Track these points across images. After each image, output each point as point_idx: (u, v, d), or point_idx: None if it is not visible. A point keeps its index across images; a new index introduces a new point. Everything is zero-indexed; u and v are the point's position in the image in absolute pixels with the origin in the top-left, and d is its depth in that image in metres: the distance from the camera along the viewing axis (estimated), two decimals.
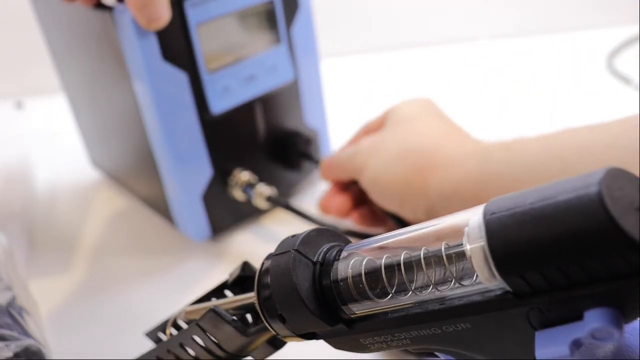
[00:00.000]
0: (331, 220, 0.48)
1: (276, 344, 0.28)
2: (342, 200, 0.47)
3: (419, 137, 0.42)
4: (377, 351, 0.23)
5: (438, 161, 0.40)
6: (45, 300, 0.43)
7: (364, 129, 0.50)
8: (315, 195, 0.54)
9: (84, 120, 0.58)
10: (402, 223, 0.43)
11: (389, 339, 0.22)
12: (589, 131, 0.35)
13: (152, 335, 0.31)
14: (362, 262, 0.22)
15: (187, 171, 0.46)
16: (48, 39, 0.55)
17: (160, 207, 0.51)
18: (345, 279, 0.23)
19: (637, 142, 0.31)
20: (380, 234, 0.23)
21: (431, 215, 0.40)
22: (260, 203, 0.47)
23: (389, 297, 0.22)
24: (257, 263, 0.26)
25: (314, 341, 0.24)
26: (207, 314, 0.26)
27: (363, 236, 0.45)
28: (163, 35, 0.41)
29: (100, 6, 0.43)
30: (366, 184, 0.44)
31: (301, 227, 0.47)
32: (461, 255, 0.19)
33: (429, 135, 0.43)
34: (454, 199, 0.38)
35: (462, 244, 0.19)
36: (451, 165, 0.39)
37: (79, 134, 0.60)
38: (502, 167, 0.37)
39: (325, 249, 0.24)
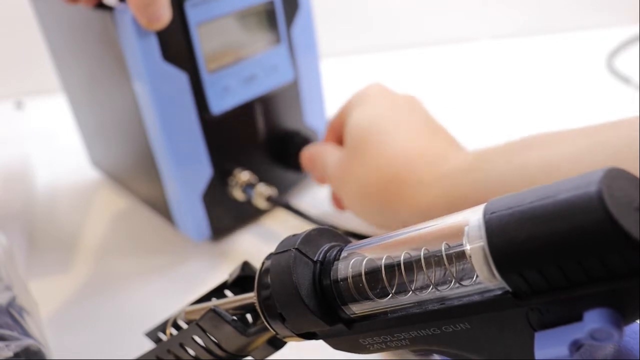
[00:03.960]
0: (331, 219, 0.48)
1: (276, 344, 0.28)
2: None
3: (388, 160, 0.41)
4: (377, 352, 0.23)
5: (408, 186, 0.39)
6: (46, 300, 0.43)
7: (329, 127, 0.49)
8: (315, 195, 0.54)
9: (84, 120, 0.58)
10: None
11: (389, 339, 0.22)
12: (556, 145, 0.34)
13: (152, 335, 0.31)
14: (362, 262, 0.22)
15: (187, 171, 0.46)
16: (48, 39, 0.55)
17: (160, 207, 0.51)
18: (345, 279, 0.23)
19: (601, 157, 0.31)
20: (381, 234, 0.23)
21: None
22: (261, 203, 0.47)
23: (389, 297, 0.22)
24: (257, 263, 0.26)
25: (314, 341, 0.24)
26: (207, 314, 0.26)
27: (363, 237, 0.45)
28: (163, 35, 0.41)
29: (100, 6, 0.43)
30: (343, 197, 0.45)
31: (301, 227, 0.47)
32: (461, 255, 0.19)
33: (398, 155, 0.41)
34: (429, 216, 0.38)
35: (462, 244, 0.19)
36: (419, 193, 0.39)
37: (79, 134, 0.60)
38: (467, 191, 0.36)
39: (325, 249, 0.24)
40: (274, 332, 0.25)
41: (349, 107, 0.46)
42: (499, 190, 0.34)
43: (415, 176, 0.39)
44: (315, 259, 0.24)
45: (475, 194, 0.36)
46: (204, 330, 0.27)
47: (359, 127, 0.43)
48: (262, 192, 0.47)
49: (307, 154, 0.49)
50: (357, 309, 0.23)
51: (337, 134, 0.48)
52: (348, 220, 0.48)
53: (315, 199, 0.53)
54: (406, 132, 0.42)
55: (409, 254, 0.21)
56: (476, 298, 0.19)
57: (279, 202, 0.47)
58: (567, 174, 0.32)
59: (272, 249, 0.25)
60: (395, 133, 0.42)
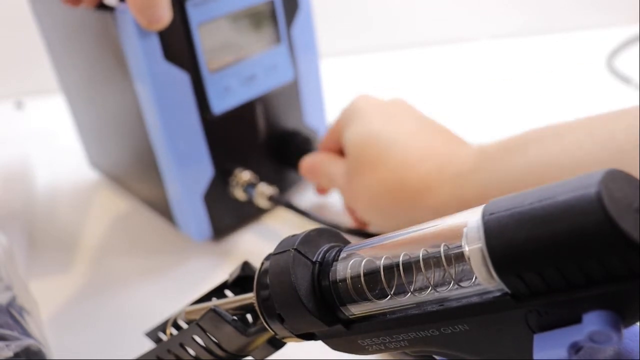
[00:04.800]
0: (332, 218, 0.48)
1: (276, 344, 0.28)
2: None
3: (393, 170, 0.41)
4: (375, 353, 0.23)
5: (416, 192, 0.40)
6: (46, 300, 0.43)
7: (324, 142, 0.49)
8: (313, 195, 0.54)
9: (83, 121, 0.58)
10: None
11: (387, 340, 0.22)
12: (560, 140, 0.35)
13: (152, 335, 0.31)
14: (361, 262, 0.22)
15: (189, 171, 0.46)
16: (46, 40, 0.55)
17: (161, 207, 0.51)
18: (344, 280, 0.23)
19: (611, 156, 0.31)
20: (381, 234, 0.23)
21: None
22: (262, 202, 0.47)
23: (388, 298, 0.22)
24: (258, 262, 0.26)
25: (314, 342, 0.24)
26: (207, 314, 0.26)
27: (364, 234, 0.45)
28: (165, 35, 0.41)
29: (101, 7, 0.43)
30: (356, 209, 0.45)
31: (302, 226, 0.48)
32: (460, 256, 0.19)
33: (401, 163, 0.41)
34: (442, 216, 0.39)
35: (460, 245, 0.19)
36: (429, 197, 0.39)
37: (78, 135, 0.60)
38: (475, 192, 0.37)
39: (324, 249, 0.24)
40: (273, 333, 0.25)
41: (342, 124, 0.46)
42: (506, 188, 0.35)
43: (422, 183, 0.40)
44: (314, 259, 0.24)
45: (484, 193, 0.36)
46: (204, 330, 0.27)
47: (358, 143, 0.43)
48: (264, 191, 0.47)
49: (307, 164, 0.49)
50: (356, 309, 0.23)
51: (334, 147, 0.48)
52: (349, 219, 0.48)
53: (315, 198, 0.53)
54: (405, 138, 0.42)
55: (407, 255, 0.21)
56: (475, 299, 0.19)
57: (281, 201, 0.47)
58: (571, 169, 0.32)
59: (273, 248, 0.25)
60: (394, 142, 0.42)
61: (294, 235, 0.24)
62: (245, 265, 0.30)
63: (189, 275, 0.47)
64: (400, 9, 0.84)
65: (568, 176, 0.33)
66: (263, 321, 0.24)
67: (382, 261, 0.22)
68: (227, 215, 0.50)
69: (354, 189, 0.44)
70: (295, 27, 0.49)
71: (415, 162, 0.41)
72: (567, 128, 0.35)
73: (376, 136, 0.43)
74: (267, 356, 0.28)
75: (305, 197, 0.54)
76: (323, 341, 0.24)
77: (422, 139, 0.42)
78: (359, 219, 0.47)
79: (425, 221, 0.39)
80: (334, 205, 0.53)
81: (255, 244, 0.50)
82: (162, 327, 0.31)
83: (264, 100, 0.48)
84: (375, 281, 0.22)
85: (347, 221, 0.48)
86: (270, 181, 0.49)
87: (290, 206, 0.47)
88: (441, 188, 0.39)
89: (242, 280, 0.30)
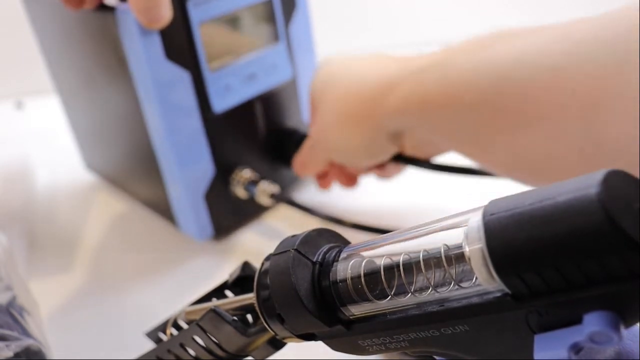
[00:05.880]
0: (335, 214, 0.48)
1: (276, 344, 0.28)
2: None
3: (356, 89, 0.42)
4: (376, 354, 0.23)
5: (379, 94, 0.40)
6: (46, 300, 0.43)
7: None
8: (314, 191, 0.54)
9: (79, 123, 0.58)
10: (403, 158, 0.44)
11: (387, 341, 0.22)
12: (524, 37, 0.34)
13: (153, 335, 0.31)
14: (362, 263, 0.22)
15: (190, 170, 0.46)
16: (41, 42, 0.55)
17: (161, 207, 0.51)
18: (344, 280, 0.23)
19: (573, 46, 0.31)
20: (385, 232, 0.23)
21: (397, 140, 0.41)
22: (264, 200, 0.48)
23: (388, 298, 0.22)
24: (259, 260, 0.26)
25: (314, 342, 0.24)
26: (207, 314, 0.26)
27: (369, 229, 0.45)
28: (166, 35, 0.41)
29: (101, 7, 0.43)
30: (329, 149, 0.45)
31: (303, 224, 0.48)
32: (460, 256, 0.19)
33: (363, 81, 0.42)
34: (406, 115, 0.39)
35: (461, 246, 0.19)
36: (392, 97, 0.39)
37: (73, 137, 0.60)
38: (436, 86, 0.37)
39: (325, 250, 0.24)
40: (273, 333, 0.25)
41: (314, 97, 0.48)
42: (471, 85, 0.34)
43: (382, 84, 0.40)
44: (314, 259, 0.24)
45: (446, 90, 0.36)
46: (204, 331, 0.27)
47: (317, 86, 0.45)
48: (265, 189, 0.47)
49: (297, 164, 0.50)
50: (357, 310, 0.23)
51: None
52: (351, 214, 0.49)
53: (315, 195, 0.54)
54: (363, 63, 0.44)
55: (408, 255, 0.21)
56: (475, 300, 0.19)
57: (283, 198, 0.48)
58: (534, 64, 0.32)
59: (274, 246, 0.25)
60: (353, 69, 0.43)
61: (294, 236, 0.24)
62: (246, 266, 0.30)
63: (189, 275, 0.47)
64: (400, 9, 0.84)
65: (539, 76, 0.33)
66: (263, 321, 0.24)
67: (382, 261, 0.22)
68: (228, 214, 0.50)
69: (319, 122, 0.44)
70: (293, 25, 0.49)
71: (375, 72, 0.41)
72: (535, 28, 0.35)
73: (334, 71, 0.45)
74: (267, 356, 0.28)
75: (306, 194, 0.55)
76: (323, 341, 0.24)
77: (384, 61, 0.43)
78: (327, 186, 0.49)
79: (390, 124, 0.40)
80: (336, 202, 0.53)
81: (257, 243, 0.50)
82: (162, 327, 0.31)
83: (264, 99, 0.48)
84: (375, 281, 0.22)
85: (350, 216, 0.48)
86: (270, 179, 0.49)
87: (293, 203, 0.47)
88: (401, 85, 0.38)
89: (242, 280, 0.30)
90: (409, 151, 0.44)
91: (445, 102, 0.36)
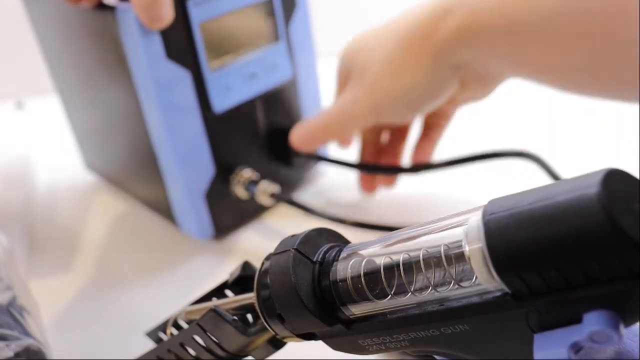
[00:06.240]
0: (336, 213, 0.48)
1: (276, 344, 0.28)
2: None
3: (402, 24, 0.42)
4: (376, 353, 0.23)
5: (430, 21, 0.40)
6: (46, 300, 0.43)
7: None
8: (314, 191, 0.54)
9: (79, 123, 0.58)
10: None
11: (388, 340, 0.22)
12: None
13: (153, 335, 0.31)
14: (362, 262, 0.22)
15: (190, 170, 0.46)
16: (40, 41, 0.55)
17: (162, 207, 0.51)
18: (344, 280, 0.23)
19: None
20: (381, 232, 0.23)
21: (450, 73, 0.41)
22: (264, 200, 0.48)
23: (388, 298, 0.22)
24: (259, 260, 0.26)
25: (314, 341, 0.24)
26: (207, 314, 0.26)
27: (369, 229, 0.45)
28: (166, 34, 0.41)
29: (101, 6, 0.43)
30: (380, 101, 0.44)
31: (303, 223, 0.48)
32: (460, 256, 0.19)
33: (399, 18, 0.43)
34: (464, 41, 0.39)
35: (461, 245, 0.19)
36: (443, 24, 0.39)
37: (73, 137, 0.60)
38: (497, 9, 0.37)
39: (325, 249, 0.24)
40: (273, 332, 0.25)
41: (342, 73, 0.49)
42: (528, 10, 0.35)
43: (433, 14, 0.40)
44: (314, 259, 0.24)
45: (499, 19, 0.37)
46: (204, 330, 0.27)
47: (349, 53, 0.47)
48: (266, 189, 0.47)
49: (301, 136, 0.49)
50: (357, 309, 0.23)
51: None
52: (353, 213, 0.49)
53: (315, 195, 0.54)
54: (398, 17, 0.45)
55: (408, 254, 0.21)
56: (475, 299, 0.19)
57: (283, 198, 0.48)
58: None
59: (274, 246, 0.25)
60: (390, 24, 0.45)
61: (294, 235, 0.24)
62: (246, 265, 0.30)
63: (190, 275, 0.47)
64: (399, 9, 0.84)
65: None
66: (263, 321, 0.24)
67: (382, 261, 0.22)
68: (229, 213, 0.50)
69: (360, 82, 0.44)
70: (293, 25, 0.49)
71: (415, 9, 0.42)
72: None
73: (366, 35, 0.46)
74: (267, 356, 0.28)
75: (306, 194, 0.55)
76: (323, 341, 0.24)
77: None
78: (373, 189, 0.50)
79: (446, 55, 0.39)
80: (336, 201, 0.53)
81: (257, 242, 0.50)
82: (163, 327, 0.31)
83: (264, 99, 0.49)
84: (375, 281, 0.22)
85: (352, 215, 0.48)
86: (270, 179, 0.49)
87: (293, 203, 0.47)
88: (455, 13, 0.38)
89: (243, 280, 0.30)
90: (471, 86, 0.43)
91: (508, 26, 0.36)
